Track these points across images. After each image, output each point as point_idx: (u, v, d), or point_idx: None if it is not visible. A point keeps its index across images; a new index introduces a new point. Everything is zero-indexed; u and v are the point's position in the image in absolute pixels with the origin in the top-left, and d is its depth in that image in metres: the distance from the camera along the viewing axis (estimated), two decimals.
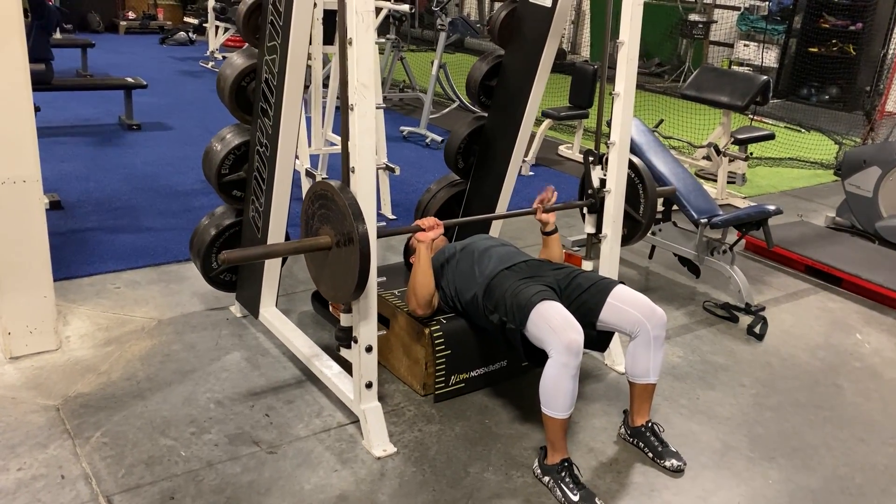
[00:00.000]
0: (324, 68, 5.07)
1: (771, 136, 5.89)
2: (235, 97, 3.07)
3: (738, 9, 11.09)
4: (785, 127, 8.50)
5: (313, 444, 2.57)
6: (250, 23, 3.00)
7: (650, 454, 2.60)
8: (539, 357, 2.48)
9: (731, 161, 5.71)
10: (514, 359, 2.99)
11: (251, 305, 3.29)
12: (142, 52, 10.91)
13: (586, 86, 6.23)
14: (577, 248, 4.13)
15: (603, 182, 3.05)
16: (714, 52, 11.40)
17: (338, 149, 3.00)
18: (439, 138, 6.63)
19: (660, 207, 4.34)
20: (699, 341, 3.51)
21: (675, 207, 4.11)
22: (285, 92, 2.84)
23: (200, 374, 2.94)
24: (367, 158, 2.33)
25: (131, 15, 12.88)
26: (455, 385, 2.88)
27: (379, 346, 2.59)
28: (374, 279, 2.39)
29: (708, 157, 6.02)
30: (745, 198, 5.75)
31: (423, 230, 2.74)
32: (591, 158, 3.08)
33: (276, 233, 3.08)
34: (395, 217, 4.81)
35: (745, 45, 10.95)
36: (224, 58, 8.87)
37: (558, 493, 2.36)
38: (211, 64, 9.93)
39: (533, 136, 6.18)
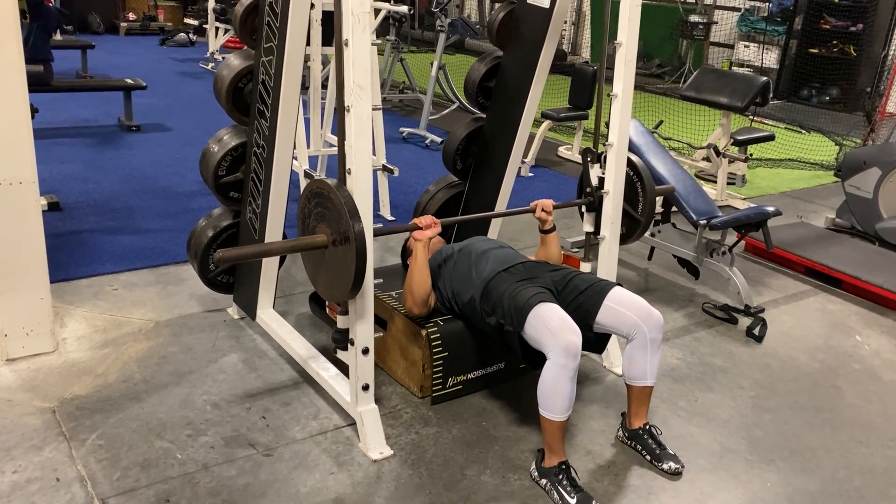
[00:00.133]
0: (323, 70, 5.06)
1: (771, 138, 5.88)
2: (232, 98, 3.06)
3: (738, 10, 11.08)
4: (785, 128, 8.49)
5: (310, 446, 2.56)
6: (247, 24, 3.00)
7: (648, 457, 2.59)
8: (537, 359, 2.47)
9: (730, 162, 5.70)
10: (511, 361, 2.98)
11: (248, 307, 3.29)
12: (142, 53, 10.92)
13: (586, 87, 6.22)
14: (575, 250, 4.13)
15: (601, 181, 3.04)
16: (714, 53, 11.39)
17: (336, 150, 2.97)
18: (439, 139, 6.63)
19: (659, 209, 4.34)
20: (698, 343, 3.50)
21: (674, 209, 4.10)
22: (282, 93, 2.83)
23: (197, 376, 2.93)
24: (364, 160, 2.32)
25: (132, 16, 12.89)
26: (452, 387, 2.87)
27: (376, 348, 2.58)
28: (370, 279, 2.38)
29: (707, 159, 6.01)
30: (744, 199, 5.74)
31: (420, 229, 2.74)
32: (589, 157, 3.07)
33: (274, 234, 3.07)
34: (393, 218, 4.80)
35: (745, 46, 10.94)
36: (224, 59, 8.90)
37: (556, 495, 2.35)
38: (211, 65, 9.93)
39: (532, 137, 6.17)
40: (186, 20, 12.67)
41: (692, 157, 6.22)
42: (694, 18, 11.08)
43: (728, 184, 5.77)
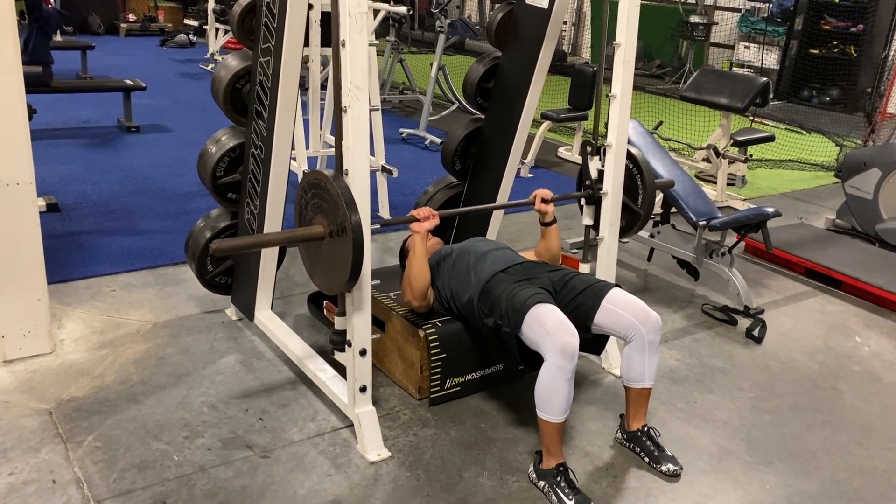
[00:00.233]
0: (323, 70, 5.06)
1: (770, 138, 5.87)
2: (230, 99, 3.05)
3: (738, 10, 11.07)
4: (785, 128, 8.47)
5: (307, 448, 2.55)
6: (245, 24, 2.99)
7: (646, 459, 2.58)
8: (534, 360, 2.46)
9: (730, 163, 5.69)
10: (510, 362, 2.97)
11: (246, 308, 3.28)
12: (142, 54, 10.91)
13: (586, 88, 6.20)
14: (574, 251, 4.12)
15: (601, 174, 3.03)
16: (715, 54, 11.38)
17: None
18: (438, 140, 6.62)
19: (658, 210, 4.34)
20: (697, 344, 3.49)
21: (673, 210, 4.09)
22: (279, 94, 2.82)
23: (195, 377, 2.92)
24: (361, 160, 2.31)
25: (132, 17, 12.88)
26: (451, 389, 2.86)
27: (374, 350, 2.57)
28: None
29: (707, 159, 6.00)
30: (744, 200, 5.73)
31: (419, 220, 2.73)
32: (588, 149, 3.06)
33: None
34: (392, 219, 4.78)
35: (745, 47, 10.93)
36: (222, 60, 8.87)
37: (553, 497, 2.34)
38: (211, 66, 9.92)
39: (532, 137, 6.17)
40: (186, 21, 12.67)
41: (692, 158, 6.21)
42: (694, 19, 11.07)
43: (728, 185, 5.75)
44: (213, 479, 2.37)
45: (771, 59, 10.47)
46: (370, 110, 3.22)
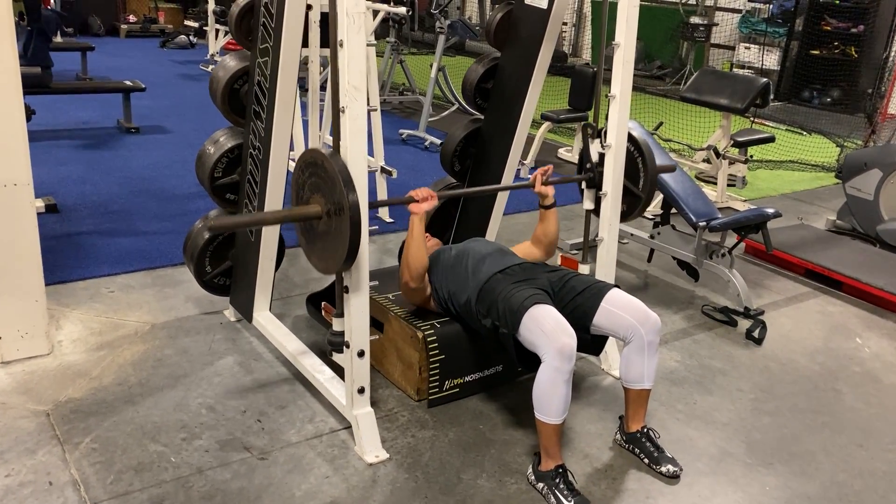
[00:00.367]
0: (322, 71, 5.05)
1: (771, 139, 5.86)
2: (228, 100, 3.05)
3: (739, 11, 11.06)
4: (786, 129, 8.46)
5: (305, 449, 2.54)
6: (243, 25, 2.98)
7: (646, 460, 2.57)
8: (532, 362, 2.45)
9: (730, 164, 5.68)
10: (509, 364, 2.96)
11: (245, 309, 3.27)
12: (142, 55, 10.91)
13: (586, 88, 6.20)
14: (574, 252, 4.11)
15: (601, 156, 3.01)
16: (715, 55, 11.38)
17: None
18: (438, 141, 6.60)
19: (658, 210, 4.33)
20: (697, 345, 3.48)
21: (673, 211, 4.08)
22: (278, 94, 2.82)
23: (193, 378, 2.91)
24: (359, 161, 2.30)
25: (132, 18, 12.89)
26: (449, 390, 2.85)
27: (372, 351, 2.56)
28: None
29: (708, 160, 5.99)
30: (744, 201, 5.72)
31: (417, 202, 2.72)
32: (589, 131, 3.04)
33: (270, 235, 3.05)
34: (392, 220, 4.77)
35: (746, 48, 10.92)
36: (220, 60, 8.87)
37: (552, 499, 2.33)
38: (211, 67, 9.92)
39: (532, 138, 6.15)
40: (187, 22, 12.67)
41: (692, 159, 6.20)
42: (695, 20, 11.07)
43: (728, 185, 5.74)
44: (210, 480, 2.36)
45: (771, 60, 10.46)
46: (368, 111, 3.22)
